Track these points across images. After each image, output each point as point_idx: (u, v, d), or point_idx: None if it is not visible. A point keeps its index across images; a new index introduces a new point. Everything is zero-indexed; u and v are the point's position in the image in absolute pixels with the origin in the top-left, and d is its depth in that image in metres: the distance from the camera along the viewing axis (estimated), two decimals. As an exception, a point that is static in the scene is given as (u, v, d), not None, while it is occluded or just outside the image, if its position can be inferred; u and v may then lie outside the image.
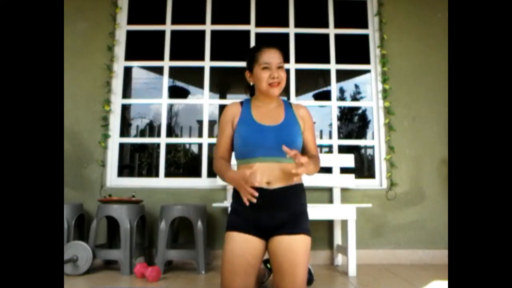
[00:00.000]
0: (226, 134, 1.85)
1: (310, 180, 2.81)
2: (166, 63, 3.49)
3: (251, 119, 1.80)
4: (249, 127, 1.78)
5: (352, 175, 3.13)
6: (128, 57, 3.47)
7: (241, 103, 1.90)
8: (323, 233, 3.12)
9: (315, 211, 2.59)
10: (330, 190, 3.16)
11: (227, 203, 2.78)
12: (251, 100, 1.90)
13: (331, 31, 3.53)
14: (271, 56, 1.79)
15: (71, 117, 3.24)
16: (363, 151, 6.56)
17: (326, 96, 3.94)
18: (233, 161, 1.87)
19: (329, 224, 3.13)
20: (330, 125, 4.49)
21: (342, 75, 4.24)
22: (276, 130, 1.76)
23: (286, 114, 1.83)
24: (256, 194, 1.60)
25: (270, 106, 1.86)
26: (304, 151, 1.88)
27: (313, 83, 5.79)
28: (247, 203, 1.63)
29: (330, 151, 3.56)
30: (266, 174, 1.72)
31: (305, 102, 4.47)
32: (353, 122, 8.23)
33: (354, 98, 7.31)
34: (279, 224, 1.72)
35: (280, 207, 1.72)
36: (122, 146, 3.64)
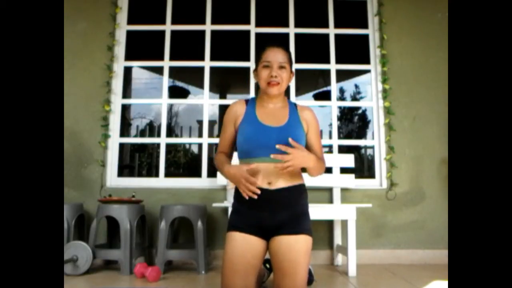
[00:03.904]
0: (228, 132, 1.88)
1: (310, 180, 2.81)
2: (166, 63, 3.49)
3: (255, 118, 1.80)
4: (252, 126, 1.78)
5: (352, 175, 3.13)
6: (128, 57, 3.47)
7: (246, 101, 1.89)
8: (323, 233, 3.12)
9: (315, 211, 2.59)
10: (330, 190, 3.16)
11: (227, 203, 2.78)
12: (256, 99, 1.90)
13: (331, 31, 3.53)
14: (272, 55, 1.78)
15: (71, 117, 3.24)
16: (363, 151, 6.57)
17: (326, 96, 3.94)
18: (236, 160, 1.88)
19: (329, 224, 3.13)
20: (330, 125, 4.49)
21: (342, 75, 4.24)
22: (278, 131, 1.75)
23: (290, 116, 1.82)
24: (258, 192, 1.64)
25: (274, 107, 1.85)
26: None
27: (313, 83, 5.79)
28: (247, 197, 1.67)
29: (330, 151, 3.56)
30: (267, 174, 1.72)
31: (305, 102, 4.47)
32: (353, 122, 8.23)
33: (354, 98, 7.31)
34: (280, 224, 1.72)
35: (281, 207, 1.72)
36: (122, 146, 3.64)
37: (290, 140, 1.65)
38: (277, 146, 1.63)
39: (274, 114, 1.82)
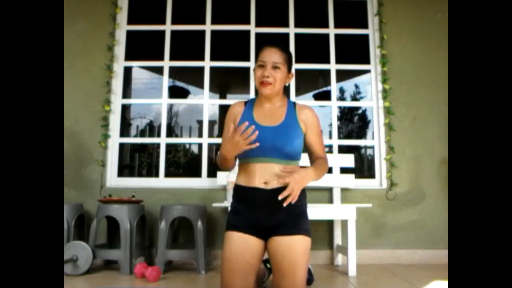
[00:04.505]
0: None
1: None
2: (166, 63, 3.49)
3: (251, 119, 1.80)
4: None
5: (352, 175, 3.12)
6: (128, 57, 3.47)
7: (246, 102, 1.90)
8: (323, 233, 3.12)
9: (315, 211, 2.59)
10: (330, 190, 3.16)
11: (227, 203, 2.78)
12: (255, 100, 1.90)
13: (331, 31, 3.53)
14: (267, 55, 1.79)
15: (71, 117, 3.24)
16: (363, 151, 6.57)
17: (326, 96, 3.94)
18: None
19: (329, 224, 3.13)
20: (330, 125, 4.49)
21: (342, 75, 4.24)
22: (273, 131, 1.75)
23: (287, 116, 1.82)
24: (253, 128, 1.57)
25: (272, 106, 1.85)
26: (310, 154, 1.88)
27: (313, 83, 5.79)
28: (245, 145, 1.59)
29: (330, 151, 3.56)
30: (263, 174, 1.72)
31: (305, 102, 4.47)
32: (353, 122, 8.24)
33: (354, 98, 7.31)
34: (278, 224, 1.72)
35: (279, 208, 1.72)
36: (122, 146, 3.64)
37: (282, 168, 1.65)
38: (277, 176, 1.63)
39: (271, 114, 1.82)
